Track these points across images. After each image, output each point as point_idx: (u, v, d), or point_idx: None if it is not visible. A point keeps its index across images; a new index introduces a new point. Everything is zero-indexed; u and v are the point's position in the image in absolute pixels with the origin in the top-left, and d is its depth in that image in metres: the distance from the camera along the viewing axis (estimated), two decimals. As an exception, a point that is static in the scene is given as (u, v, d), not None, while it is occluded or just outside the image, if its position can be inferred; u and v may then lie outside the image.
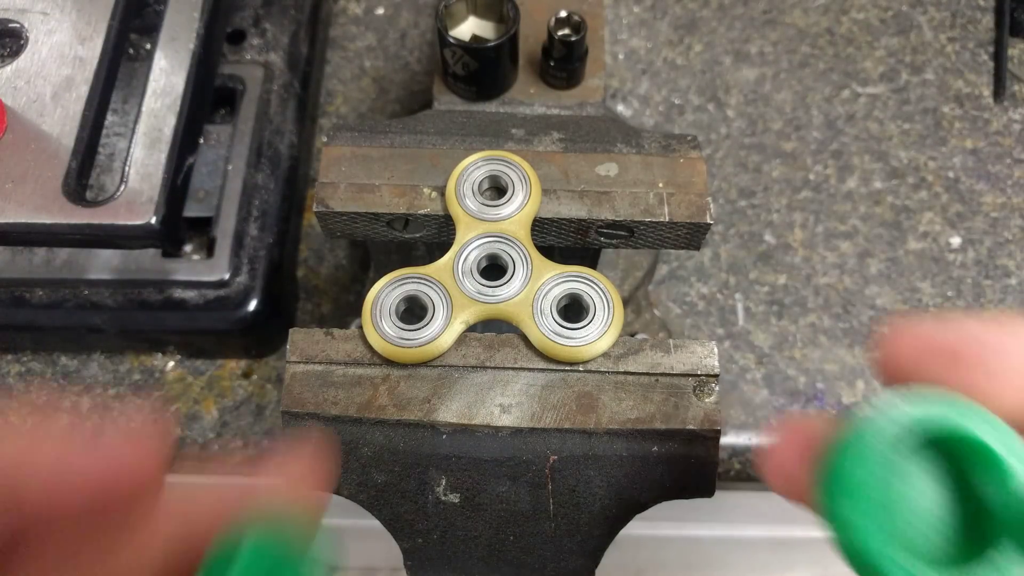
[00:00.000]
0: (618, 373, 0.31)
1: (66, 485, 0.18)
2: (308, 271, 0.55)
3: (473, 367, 0.31)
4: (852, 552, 0.17)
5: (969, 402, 0.18)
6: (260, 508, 0.19)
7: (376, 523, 0.32)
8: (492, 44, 0.40)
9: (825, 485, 0.18)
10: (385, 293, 0.31)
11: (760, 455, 0.22)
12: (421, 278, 0.32)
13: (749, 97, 0.61)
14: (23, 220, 0.38)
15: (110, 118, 0.49)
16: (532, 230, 0.33)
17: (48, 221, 0.39)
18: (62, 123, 0.40)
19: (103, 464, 0.18)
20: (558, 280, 0.32)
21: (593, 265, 0.47)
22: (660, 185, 0.34)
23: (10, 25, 0.43)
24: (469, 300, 0.31)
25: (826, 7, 0.64)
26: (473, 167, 0.34)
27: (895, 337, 0.20)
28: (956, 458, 0.18)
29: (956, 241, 0.56)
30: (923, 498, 0.18)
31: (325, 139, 0.36)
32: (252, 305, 0.48)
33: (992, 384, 0.18)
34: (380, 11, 0.64)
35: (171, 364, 0.52)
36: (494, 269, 0.33)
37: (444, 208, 0.34)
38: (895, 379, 0.20)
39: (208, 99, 0.47)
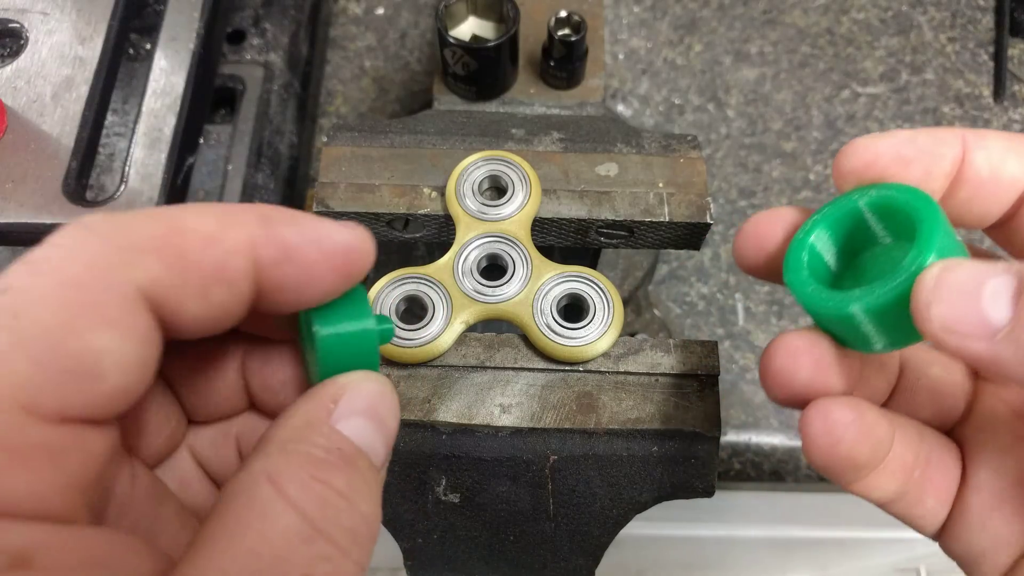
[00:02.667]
0: (618, 373, 0.31)
1: None
2: (308, 271, 0.55)
3: (473, 367, 0.31)
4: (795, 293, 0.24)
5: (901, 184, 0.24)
6: None
7: (376, 523, 0.32)
8: (492, 44, 0.40)
9: (788, 255, 0.25)
10: (385, 293, 0.31)
11: (739, 237, 0.27)
12: (421, 278, 0.32)
13: (749, 97, 0.61)
14: (23, 220, 0.38)
15: (110, 118, 0.49)
16: (532, 230, 0.33)
17: (48, 221, 0.38)
18: (62, 123, 0.40)
19: None
20: (558, 280, 0.32)
21: (593, 265, 0.47)
22: (660, 185, 0.34)
23: (10, 25, 0.43)
24: (469, 300, 0.31)
25: (826, 7, 0.64)
26: (473, 167, 0.34)
27: (849, 149, 0.24)
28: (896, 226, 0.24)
29: (956, 241, 0.56)
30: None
31: (325, 139, 0.36)
32: (252, 305, 0.48)
33: (930, 181, 0.24)
34: (380, 11, 0.64)
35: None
36: (494, 269, 0.33)
37: (444, 208, 0.34)
38: (854, 183, 0.25)
39: (208, 99, 0.47)
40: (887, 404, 0.26)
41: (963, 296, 0.20)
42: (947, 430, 0.27)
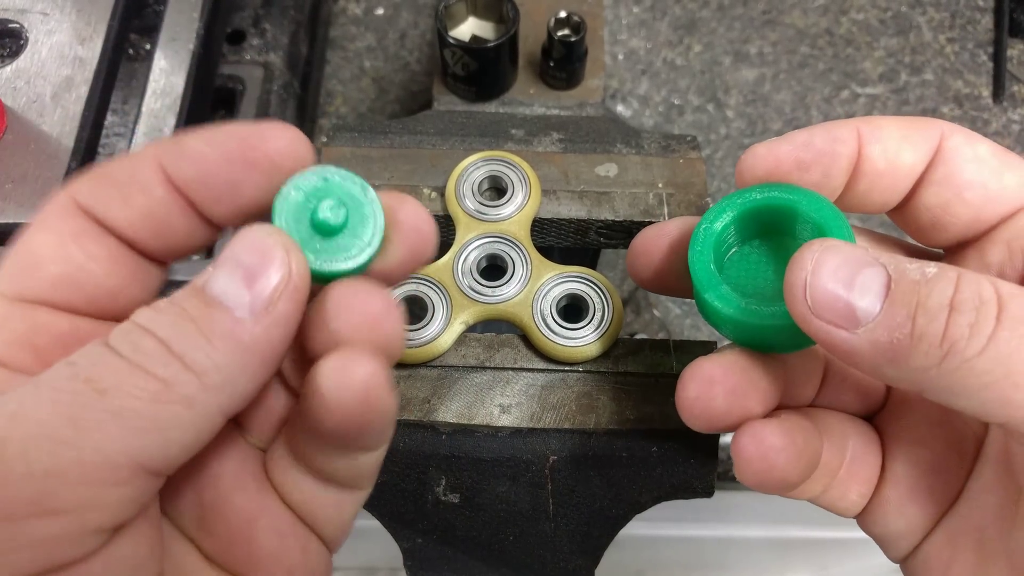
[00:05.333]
0: (618, 373, 0.31)
1: None
2: (308, 271, 0.55)
3: (473, 367, 0.31)
4: (697, 289, 0.24)
5: (796, 186, 0.24)
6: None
7: (376, 523, 0.32)
8: (492, 44, 0.40)
9: (691, 255, 0.25)
10: (385, 293, 0.32)
11: (631, 256, 0.28)
12: (421, 278, 0.32)
13: (748, 97, 0.61)
14: (23, 220, 0.39)
15: (110, 118, 0.49)
16: (532, 230, 0.33)
17: (48, 221, 0.38)
18: (62, 123, 0.40)
19: None
20: (557, 280, 0.32)
21: (593, 265, 0.48)
22: (659, 185, 0.34)
23: (10, 25, 0.43)
24: (469, 300, 0.31)
25: (825, 7, 0.64)
26: (473, 167, 0.34)
27: (750, 157, 0.25)
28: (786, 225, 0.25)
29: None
30: (752, 258, 0.26)
31: (325, 139, 0.36)
32: (252, 305, 0.48)
33: (829, 181, 0.24)
34: (380, 11, 0.65)
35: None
36: (494, 269, 0.33)
37: (444, 208, 0.34)
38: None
39: (208, 99, 0.47)
40: (815, 399, 0.27)
41: (836, 283, 0.20)
42: (869, 416, 0.28)
